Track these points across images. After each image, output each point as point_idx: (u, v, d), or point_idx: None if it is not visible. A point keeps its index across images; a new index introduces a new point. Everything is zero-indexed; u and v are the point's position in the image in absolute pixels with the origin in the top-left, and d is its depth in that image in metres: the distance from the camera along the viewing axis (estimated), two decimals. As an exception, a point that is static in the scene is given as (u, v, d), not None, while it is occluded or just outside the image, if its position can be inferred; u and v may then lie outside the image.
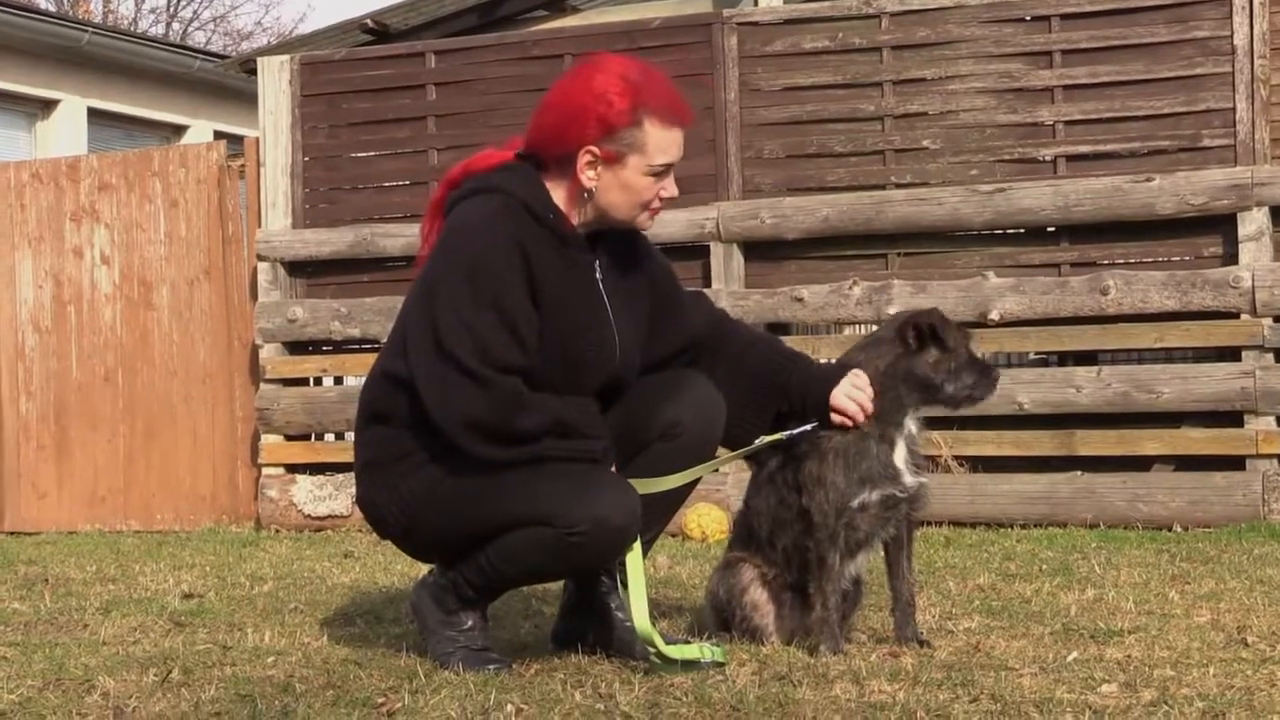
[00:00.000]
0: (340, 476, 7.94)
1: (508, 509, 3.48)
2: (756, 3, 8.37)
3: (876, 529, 3.72)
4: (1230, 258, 6.80)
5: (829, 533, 3.64)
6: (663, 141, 3.57)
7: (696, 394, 3.73)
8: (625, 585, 3.55)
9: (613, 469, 3.56)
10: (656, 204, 3.63)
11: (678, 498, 3.79)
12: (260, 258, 8.26)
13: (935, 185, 7.23)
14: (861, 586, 3.89)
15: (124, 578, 5.82)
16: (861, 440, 3.67)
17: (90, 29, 14.63)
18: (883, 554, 3.80)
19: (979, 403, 3.76)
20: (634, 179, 3.56)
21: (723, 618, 3.85)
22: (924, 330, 3.68)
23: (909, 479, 3.71)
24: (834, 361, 3.88)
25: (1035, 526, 6.82)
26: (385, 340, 3.80)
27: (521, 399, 3.46)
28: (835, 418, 3.67)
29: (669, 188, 3.62)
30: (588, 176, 3.56)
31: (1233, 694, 3.12)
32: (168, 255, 8.70)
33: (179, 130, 15.27)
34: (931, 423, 7.08)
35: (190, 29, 29.84)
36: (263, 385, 8.25)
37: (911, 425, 3.75)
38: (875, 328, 7.09)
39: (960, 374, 3.70)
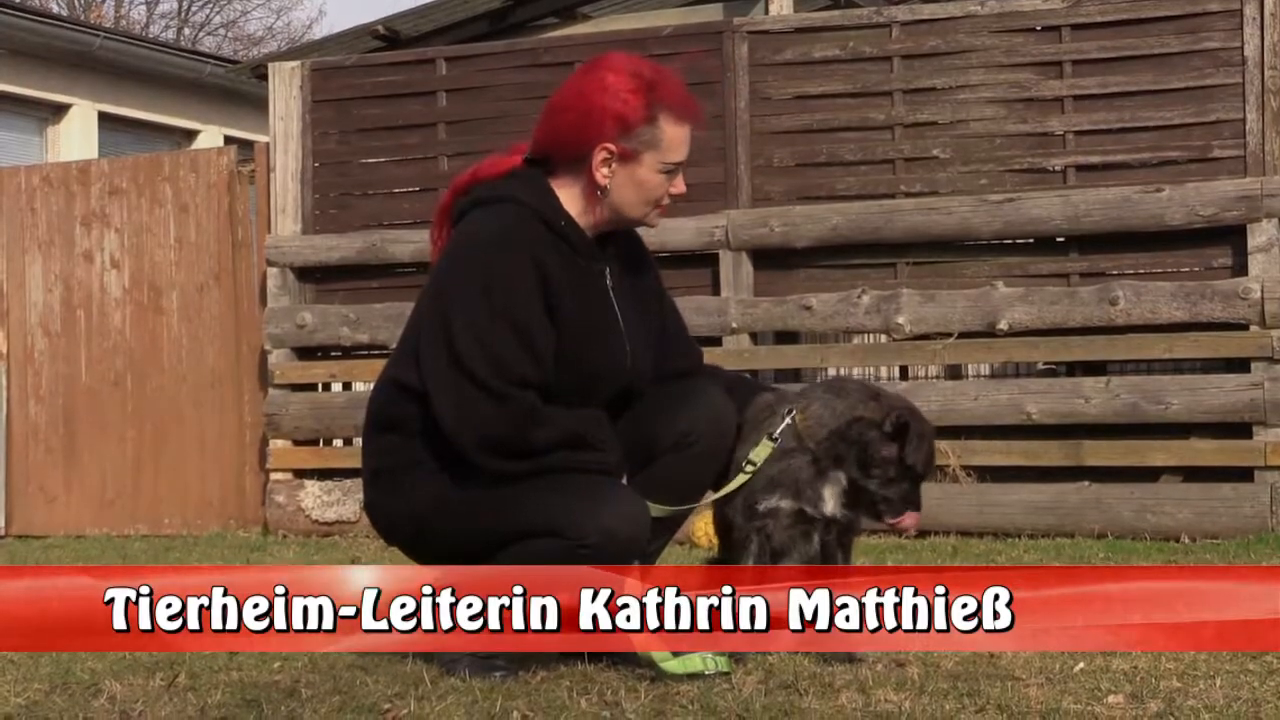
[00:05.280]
0: (348, 482, 7.95)
1: (517, 520, 3.47)
2: (767, 11, 8.37)
3: (798, 543, 3.65)
4: (1240, 269, 6.79)
5: (742, 534, 3.64)
6: (676, 138, 3.59)
7: (709, 404, 3.72)
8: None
9: (623, 481, 3.56)
10: (666, 200, 3.64)
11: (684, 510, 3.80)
12: (270, 263, 8.26)
13: (945, 194, 7.22)
14: None
15: (131, 582, 5.82)
16: (790, 452, 3.62)
17: (102, 34, 14.68)
18: None
19: (883, 518, 3.63)
20: (648, 176, 3.58)
21: None
22: (901, 428, 3.57)
23: (831, 509, 3.63)
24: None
25: (1043, 536, 6.81)
26: (394, 346, 3.80)
27: (537, 414, 3.45)
28: None
29: (679, 185, 3.65)
30: (602, 174, 3.56)
31: (1239, 706, 3.11)
32: (177, 260, 8.71)
33: (190, 135, 15.30)
34: (941, 432, 7.13)
35: (201, 34, 29.93)
36: (271, 390, 8.26)
37: (843, 479, 3.62)
38: (883, 338, 7.21)
39: (893, 483, 3.58)
